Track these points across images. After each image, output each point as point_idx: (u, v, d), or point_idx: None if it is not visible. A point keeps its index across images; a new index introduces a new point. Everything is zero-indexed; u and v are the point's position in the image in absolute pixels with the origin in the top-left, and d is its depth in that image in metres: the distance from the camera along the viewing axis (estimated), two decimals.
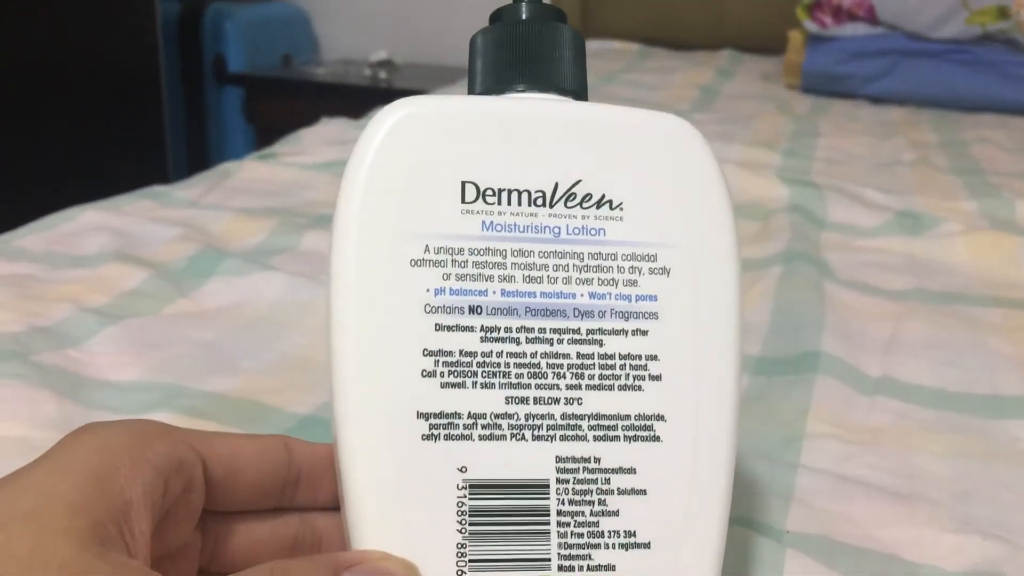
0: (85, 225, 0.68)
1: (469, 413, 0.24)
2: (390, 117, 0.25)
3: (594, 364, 0.25)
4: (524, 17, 0.28)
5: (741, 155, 0.99)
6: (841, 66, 1.37)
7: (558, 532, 0.24)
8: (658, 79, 1.51)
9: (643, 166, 0.25)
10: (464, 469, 0.24)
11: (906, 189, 0.86)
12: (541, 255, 0.25)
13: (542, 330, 0.24)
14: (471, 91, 0.28)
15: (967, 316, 0.57)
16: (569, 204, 0.25)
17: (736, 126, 1.16)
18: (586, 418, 0.24)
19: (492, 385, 0.24)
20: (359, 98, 1.89)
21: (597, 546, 0.24)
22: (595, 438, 0.24)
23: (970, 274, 0.65)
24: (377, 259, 0.24)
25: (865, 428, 0.43)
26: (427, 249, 0.24)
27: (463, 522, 0.23)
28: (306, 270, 0.60)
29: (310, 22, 2.30)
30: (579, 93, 0.28)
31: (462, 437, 0.24)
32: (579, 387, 0.24)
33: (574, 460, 0.24)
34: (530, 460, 0.24)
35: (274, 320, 0.53)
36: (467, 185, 0.24)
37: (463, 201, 0.24)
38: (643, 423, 0.25)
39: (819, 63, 1.38)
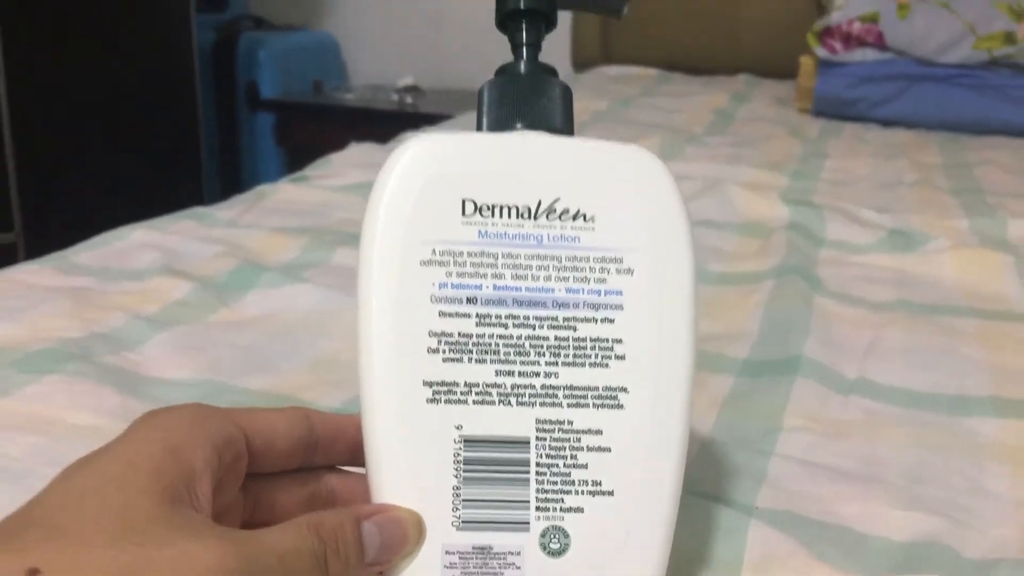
0: (135, 243, 0.75)
1: (465, 382, 0.29)
2: (407, 149, 0.31)
3: (569, 345, 0.30)
4: (522, 72, 0.34)
5: (749, 177, 1.04)
6: (851, 90, 1.42)
7: (536, 480, 0.29)
8: (675, 103, 1.56)
9: (612, 186, 0.31)
10: (460, 427, 0.29)
11: (903, 208, 0.90)
12: (526, 257, 0.30)
13: (526, 317, 0.30)
14: (478, 128, 0.34)
15: (945, 325, 0.61)
16: (550, 217, 0.30)
17: (748, 148, 1.21)
18: (561, 388, 0.30)
19: (484, 360, 0.29)
20: (386, 122, 1.96)
21: (568, 492, 0.29)
22: (568, 405, 0.30)
23: (953, 287, 0.69)
24: (395, 259, 0.30)
25: (837, 422, 0.48)
26: (434, 252, 0.30)
27: (458, 469, 0.29)
28: (336, 282, 0.66)
29: (339, 49, 2.38)
30: (566, 130, 0.33)
31: (459, 401, 0.29)
32: (556, 363, 0.30)
33: (551, 422, 0.30)
34: (514, 421, 0.29)
35: (307, 327, 0.58)
36: (466, 202, 0.30)
37: (463, 214, 0.30)
38: (609, 393, 0.30)
39: (830, 88, 1.43)
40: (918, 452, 0.45)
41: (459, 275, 0.30)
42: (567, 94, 0.34)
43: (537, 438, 0.29)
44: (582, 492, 0.29)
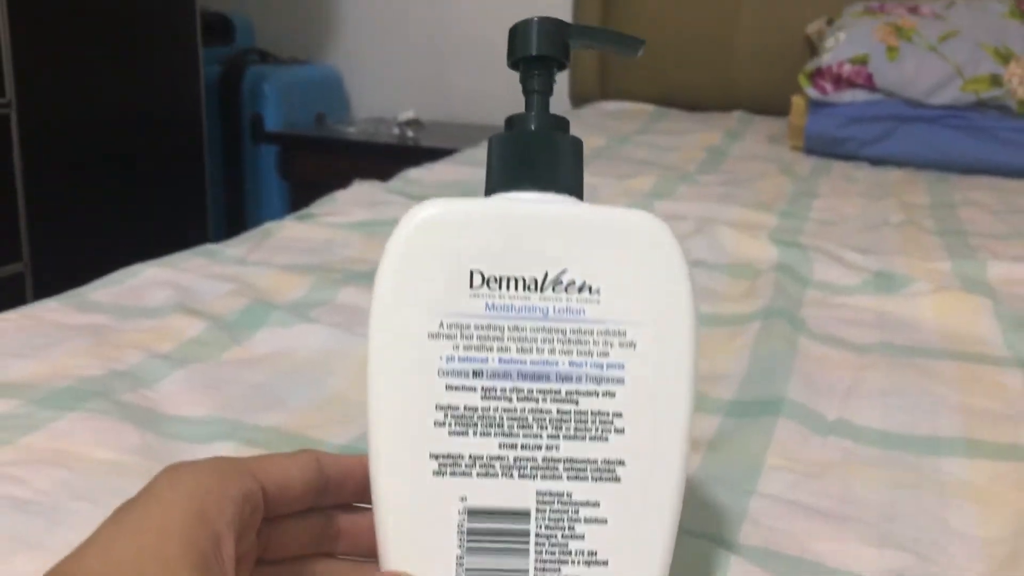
0: (148, 280, 0.78)
1: (470, 455, 0.31)
2: (415, 218, 0.31)
3: (570, 418, 0.31)
4: (532, 127, 0.34)
5: (740, 216, 1.07)
6: (841, 130, 1.46)
7: (535, 550, 0.31)
8: (670, 140, 1.60)
9: (618, 257, 0.31)
10: (464, 498, 0.31)
11: (887, 250, 0.94)
12: (532, 330, 0.31)
13: (530, 391, 0.31)
14: (487, 186, 0.34)
15: (923, 367, 0.64)
16: (556, 289, 0.31)
17: (739, 187, 1.25)
18: (562, 461, 0.31)
19: (489, 433, 0.31)
20: (388, 155, 2.00)
21: (565, 562, 0.31)
22: (568, 477, 0.31)
23: (933, 330, 0.72)
24: (404, 332, 0.31)
25: (816, 462, 0.51)
26: (442, 324, 0.31)
27: (462, 539, 0.31)
28: (342, 321, 0.69)
29: (342, 82, 2.42)
30: (575, 190, 0.33)
31: (464, 474, 0.31)
32: (557, 436, 0.31)
33: (551, 494, 0.31)
34: (516, 493, 0.31)
35: (315, 365, 0.61)
36: (475, 273, 0.31)
37: (471, 286, 0.31)
38: (607, 467, 0.31)
39: (820, 127, 1.47)
40: (891, 491, 0.48)
41: (466, 348, 0.31)
42: (577, 149, 0.34)
43: (537, 509, 0.31)
44: (578, 562, 0.31)
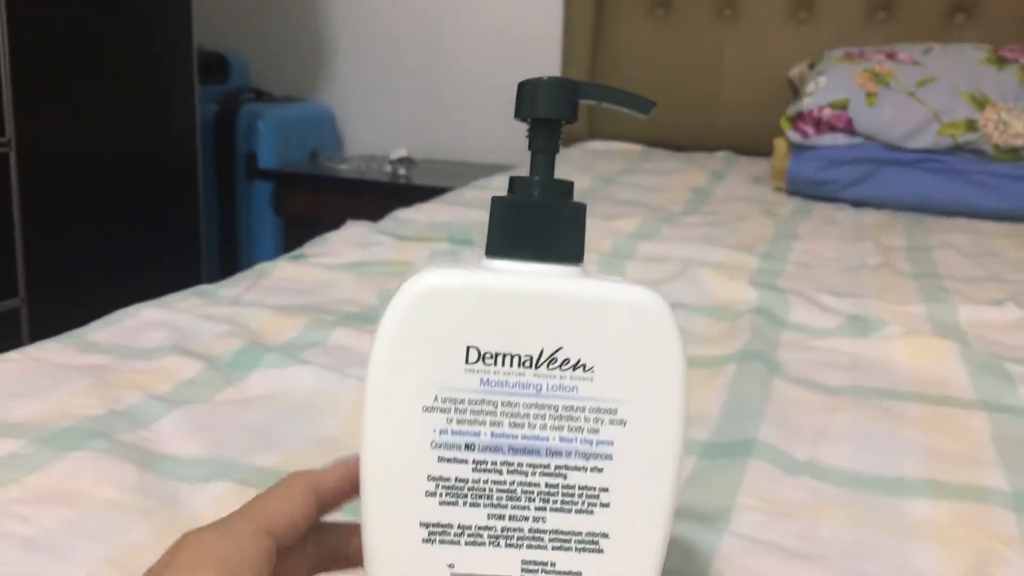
0: (145, 321, 0.80)
1: (459, 525, 0.32)
2: (412, 291, 0.31)
3: (558, 492, 0.32)
4: (535, 193, 0.34)
5: (722, 258, 1.11)
6: (822, 172, 1.49)
7: None
8: (656, 181, 1.63)
9: (615, 335, 0.32)
10: (452, 566, 0.32)
11: (863, 293, 0.97)
12: (525, 406, 0.32)
13: (520, 464, 0.32)
14: (487, 247, 0.34)
15: (891, 410, 0.67)
16: (551, 366, 0.32)
17: (722, 228, 1.28)
18: (547, 532, 0.32)
19: (478, 504, 0.32)
20: (380, 193, 2.04)
21: None
22: (553, 547, 0.32)
23: (903, 372, 0.75)
24: (398, 404, 0.32)
25: (785, 502, 0.54)
26: (436, 398, 0.31)
27: None
28: (333, 363, 0.72)
29: (335, 120, 2.46)
30: (575, 258, 0.34)
31: (452, 542, 0.32)
32: (544, 509, 0.32)
33: (535, 563, 0.32)
34: (502, 561, 0.32)
35: (308, 406, 0.64)
36: (471, 349, 0.31)
37: (467, 362, 0.31)
38: (591, 539, 0.32)
39: (802, 169, 1.51)
40: (855, 531, 0.51)
41: (459, 422, 0.32)
42: (579, 215, 0.34)
43: None
44: None
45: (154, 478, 0.52)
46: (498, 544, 0.32)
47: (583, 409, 0.32)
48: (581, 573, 0.33)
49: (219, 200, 2.22)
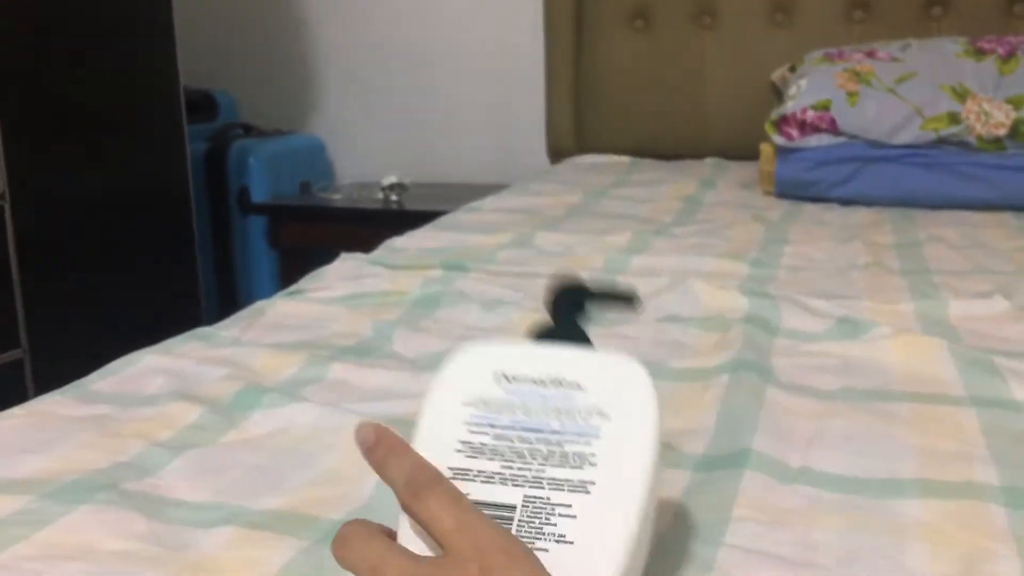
0: (146, 368, 0.81)
1: (477, 470, 0.42)
2: (459, 357, 0.47)
3: (556, 455, 0.42)
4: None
5: (714, 267, 1.12)
6: (809, 173, 1.51)
7: (516, 528, 0.40)
8: (646, 192, 1.65)
9: (605, 378, 0.45)
10: (468, 494, 0.40)
11: (853, 294, 0.98)
12: (535, 406, 0.44)
13: (528, 437, 0.43)
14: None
15: (883, 411, 0.68)
16: (558, 387, 0.44)
17: (713, 237, 1.29)
18: (546, 479, 0.41)
19: (494, 459, 0.42)
20: (373, 221, 2.06)
21: (539, 539, 0.40)
22: (550, 488, 0.41)
23: (894, 372, 0.76)
24: (448, 402, 0.44)
25: (780, 511, 0.55)
26: (472, 397, 0.44)
27: None
28: (332, 399, 0.73)
29: (325, 150, 2.48)
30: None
31: (470, 480, 0.42)
32: (545, 465, 0.42)
33: (534, 498, 0.41)
34: (508, 495, 0.41)
35: (309, 443, 0.65)
36: (499, 375, 0.45)
37: (496, 384, 0.45)
38: (581, 484, 0.41)
39: (788, 172, 1.52)
40: (850, 535, 0.52)
41: (486, 411, 0.44)
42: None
43: (523, 506, 0.41)
44: (549, 540, 0.40)
45: (162, 526, 0.53)
46: (506, 484, 0.41)
47: (579, 409, 0.44)
48: (571, 506, 0.40)
49: (214, 237, 2.24)
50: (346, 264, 1.15)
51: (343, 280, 1.08)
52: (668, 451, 0.62)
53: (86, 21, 1.72)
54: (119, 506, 0.55)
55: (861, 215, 1.43)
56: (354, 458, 0.62)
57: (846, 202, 1.51)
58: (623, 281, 1.06)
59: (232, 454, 0.64)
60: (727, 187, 1.69)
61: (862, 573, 0.48)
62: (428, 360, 0.82)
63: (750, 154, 1.83)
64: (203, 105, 2.39)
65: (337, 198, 2.19)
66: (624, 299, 0.55)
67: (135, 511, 0.54)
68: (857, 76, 1.52)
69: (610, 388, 0.44)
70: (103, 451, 0.63)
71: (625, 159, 2.03)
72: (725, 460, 0.61)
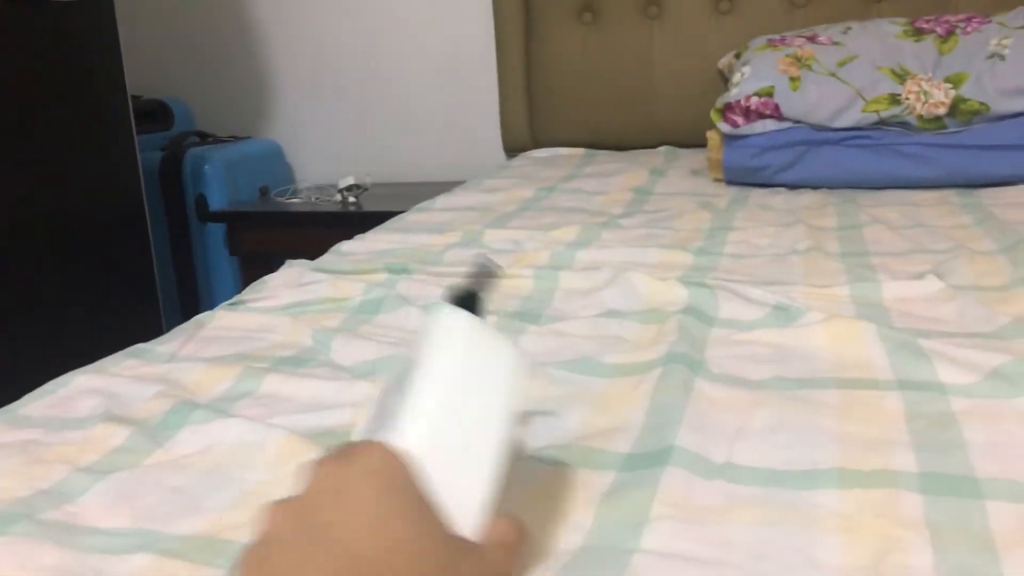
0: (78, 389, 0.80)
1: None
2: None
3: None
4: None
5: (658, 258, 1.12)
6: (755, 159, 1.51)
7: None
8: (597, 184, 1.65)
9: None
10: None
11: (791, 279, 0.98)
12: None
13: None
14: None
15: (809, 399, 0.68)
16: None
17: (660, 227, 1.30)
18: None
19: None
20: (331, 223, 2.05)
21: None
22: None
23: (824, 359, 0.76)
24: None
25: (698, 508, 0.55)
26: None
27: None
28: (261, 414, 0.72)
29: (283, 153, 2.47)
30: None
31: None
32: None
33: None
34: None
35: (233, 462, 0.64)
36: None
37: None
38: None
39: (735, 159, 1.53)
40: (764, 530, 0.52)
41: None
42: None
43: None
44: None
45: (74, 556, 0.52)
46: None
47: None
48: None
49: (173, 247, 2.22)
50: (289, 272, 1.14)
51: (285, 288, 1.08)
52: (591, 450, 0.63)
53: (29, 38, 1.70)
54: (32, 538, 0.54)
55: (806, 198, 1.44)
56: (275, 473, 0.62)
57: (793, 186, 1.52)
58: (564, 276, 1.05)
59: (154, 476, 0.63)
60: (678, 176, 1.69)
61: (772, 569, 0.48)
62: (363, 368, 0.82)
63: (701, 141, 1.83)
64: (157, 114, 2.36)
65: (296, 202, 2.18)
66: (491, 275, 0.54)
67: (48, 542, 0.53)
68: (798, 61, 1.52)
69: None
70: (26, 479, 0.63)
71: (579, 151, 2.03)
72: (648, 458, 0.61)
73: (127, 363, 0.88)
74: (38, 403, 0.78)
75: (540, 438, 0.65)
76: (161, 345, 0.93)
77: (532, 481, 0.59)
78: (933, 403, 0.66)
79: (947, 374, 0.70)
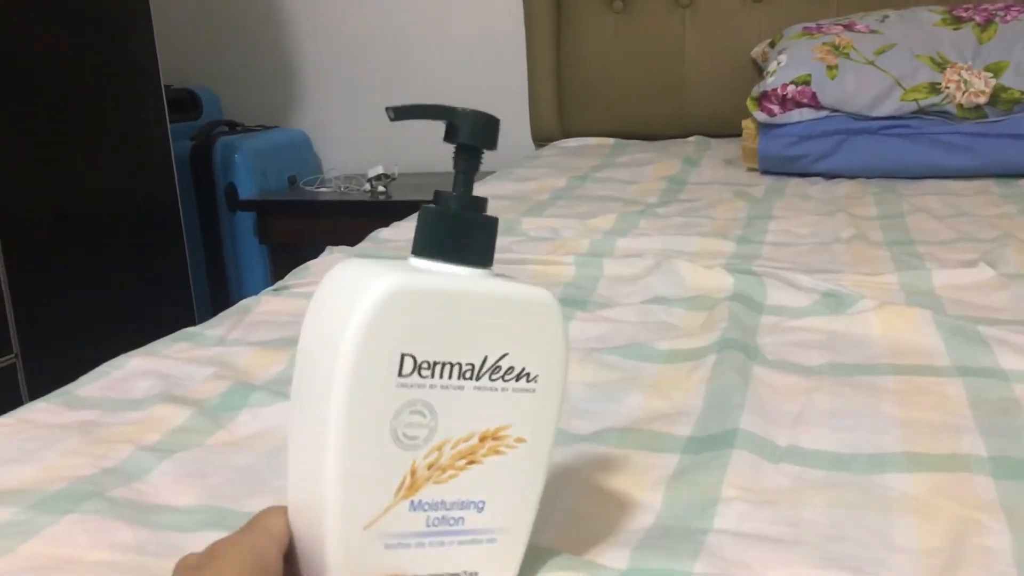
0: (132, 371, 0.81)
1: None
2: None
3: None
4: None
5: (698, 246, 1.12)
6: (792, 148, 1.51)
7: None
8: (630, 173, 1.64)
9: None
10: None
11: (837, 268, 0.98)
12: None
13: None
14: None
15: (867, 385, 0.68)
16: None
17: (698, 216, 1.29)
18: None
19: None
20: (360, 212, 2.05)
21: None
22: None
23: (879, 345, 0.76)
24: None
25: (767, 490, 0.55)
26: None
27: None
28: None
29: (311, 143, 2.47)
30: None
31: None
32: None
33: None
34: None
35: None
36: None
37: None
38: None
39: (771, 148, 1.52)
40: (837, 512, 0.52)
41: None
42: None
43: None
44: None
45: (147, 533, 0.53)
46: None
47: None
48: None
49: (203, 235, 2.23)
50: (331, 258, 1.14)
51: None
52: (654, 433, 0.63)
53: (64, 25, 1.71)
54: (105, 515, 0.54)
55: (844, 188, 1.43)
56: None
57: (830, 176, 1.51)
58: (607, 263, 1.05)
59: (219, 456, 0.63)
60: (711, 165, 1.69)
61: (851, 549, 0.48)
62: None
63: (733, 131, 1.83)
64: (186, 103, 2.37)
65: (325, 191, 2.18)
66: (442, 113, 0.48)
67: (120, 519, 0.54)
68: (836, 49, 1.51)
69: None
70: (89, 457, 0.63)
71: (609, 141, 2.02)
72: (713, 441, 0.61)
73: (177, 346, 0.88)
74: (93, 385, 0.79)
75: (599, 422, 0.66)
76: (209, 329, 0.93)
77: (596, 463, 0.59)
78: (996, 389, 0.66)
79: (1008, 360, 0.70)
